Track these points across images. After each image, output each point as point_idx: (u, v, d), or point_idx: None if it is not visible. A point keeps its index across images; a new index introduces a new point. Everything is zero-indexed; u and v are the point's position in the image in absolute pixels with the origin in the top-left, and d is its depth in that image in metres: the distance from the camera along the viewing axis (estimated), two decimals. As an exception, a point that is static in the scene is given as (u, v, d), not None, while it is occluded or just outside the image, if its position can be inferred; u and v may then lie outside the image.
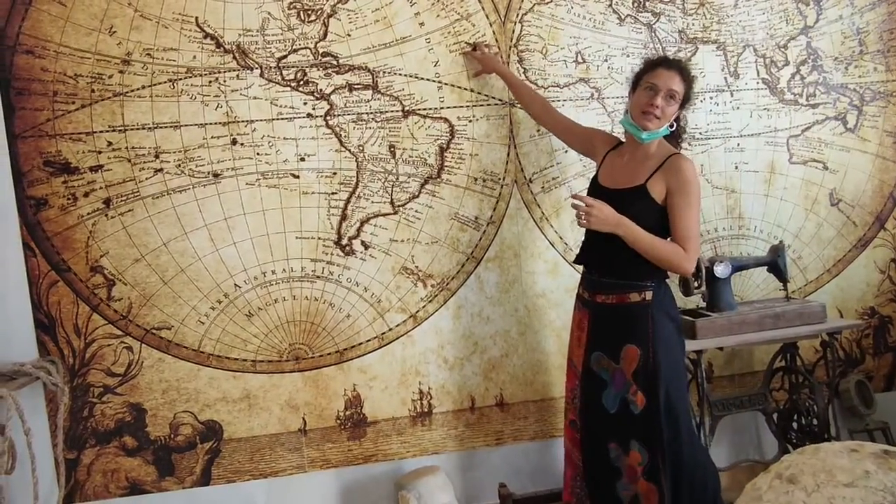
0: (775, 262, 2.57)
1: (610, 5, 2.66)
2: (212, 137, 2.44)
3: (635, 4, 2.68)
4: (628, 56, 2.69)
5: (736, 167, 2.83)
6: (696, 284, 2.51)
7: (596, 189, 2.25)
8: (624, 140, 2.30)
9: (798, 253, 2.90)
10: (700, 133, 2.76)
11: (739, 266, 2.60)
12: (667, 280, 2.20)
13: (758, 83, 2.81)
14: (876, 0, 2.86)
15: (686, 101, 2.18)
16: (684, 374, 2.23)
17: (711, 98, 2.76)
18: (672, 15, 2.71)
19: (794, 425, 2.73)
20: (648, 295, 2.13)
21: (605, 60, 2.68)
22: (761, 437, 2.88)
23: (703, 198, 2.84)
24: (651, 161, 2.16)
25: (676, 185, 2.10)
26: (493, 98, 2.62)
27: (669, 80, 2.11)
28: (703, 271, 2.49)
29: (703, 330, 2.44)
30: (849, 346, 2.99)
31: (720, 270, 2.52)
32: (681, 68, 2.16)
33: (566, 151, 2.67)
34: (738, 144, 2.82)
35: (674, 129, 2.19)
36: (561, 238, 2.71)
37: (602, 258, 2.20)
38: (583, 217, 2.07)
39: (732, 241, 2.85)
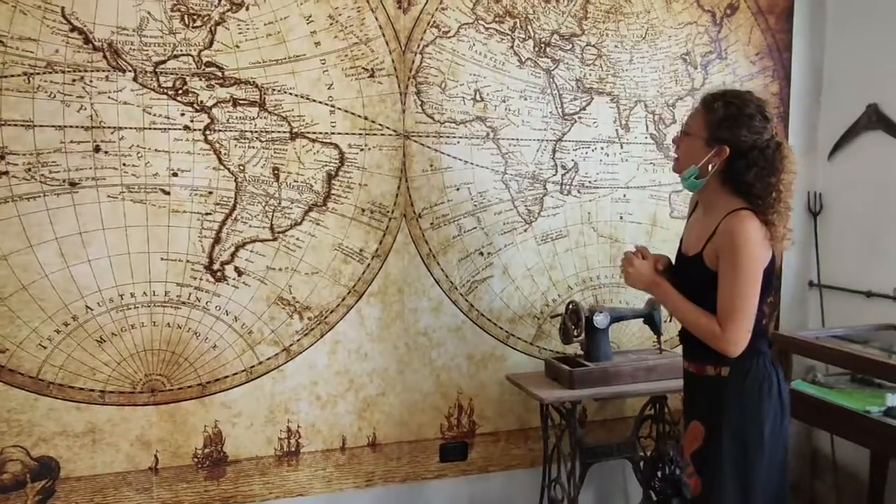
0: (651, 316, 2.63)
1: (511, 47, 2.65)
2: (71, 142, 2.19)
3: (536, 49, 2.68)
4: (526, 99, 2.68)
5: (621, 217, 2.88)
6: (575, 333, 2.53)
7: (677, 256, 2.02)
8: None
9: (672, 304, 2.99)
10: (589, 181, 2.80)
11: (618, 317, 2.64)
12: (761, 356, 1.84)
13: (646, 137, 2.88)
14: (755, 72, 3.02)
15: (718, 139, 1.79)
16: (763, 473, 1.81)
17: (602, 148, 2.81)
18: (571, 63, 2.73)
19: (659, 473, 2.80)
20: (724, 371, 1.84)
21: (504, 101, 2.66)
22: (627, 484, 2.94)
23: (587, 245, 2.91)
24: (711, 220, 1.84)
25: (721, 249, 1.78)
26: (388, 129, 2.53)
27: (689, 115, 1.91)
28: (583, 321, 2.51)
29: (581, 381, 2.45)
30: (712, 395, 3.12)
31: (599, 321, 2.54)
32: (704, 98, 1.87)
33: (458, 189, 2.62)
34: (625, 195, 2.88)
35: (706, 174, 1.82)
36: (447, 276, 2.65)
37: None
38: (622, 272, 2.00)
39: (613, 290, 2.90)
